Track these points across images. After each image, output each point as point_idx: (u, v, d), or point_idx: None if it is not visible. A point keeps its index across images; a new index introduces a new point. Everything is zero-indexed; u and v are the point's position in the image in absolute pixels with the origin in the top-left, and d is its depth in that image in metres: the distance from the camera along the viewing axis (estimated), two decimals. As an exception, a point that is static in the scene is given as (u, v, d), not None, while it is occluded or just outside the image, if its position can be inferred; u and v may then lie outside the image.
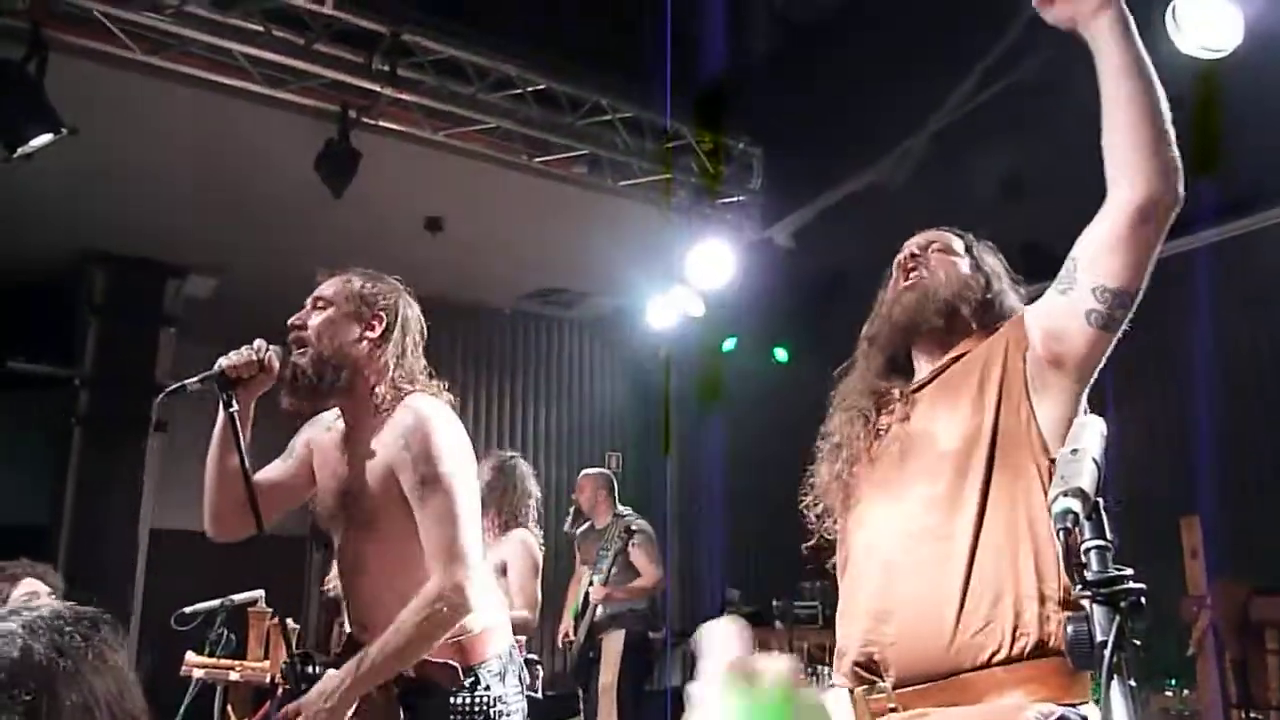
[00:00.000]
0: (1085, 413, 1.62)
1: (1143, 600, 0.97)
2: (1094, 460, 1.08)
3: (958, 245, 1.97)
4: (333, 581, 4.62)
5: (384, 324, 2.20)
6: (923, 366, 1.83)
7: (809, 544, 1.86)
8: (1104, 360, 1.62)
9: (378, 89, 4.80)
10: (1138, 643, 0.98)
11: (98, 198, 5.64)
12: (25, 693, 0.92)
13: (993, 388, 1.64)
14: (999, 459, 1.58)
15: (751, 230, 6.15)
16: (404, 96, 4.91)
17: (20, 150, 4.08)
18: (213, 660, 3.38)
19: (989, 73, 4.78)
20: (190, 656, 3.36)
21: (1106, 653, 0.95)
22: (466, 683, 2.05)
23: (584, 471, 5.81)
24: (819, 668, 5.62)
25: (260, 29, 4.49)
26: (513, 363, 7.74)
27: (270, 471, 2.32)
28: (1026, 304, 1.81)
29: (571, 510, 5.71)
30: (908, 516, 1.62)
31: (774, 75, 6.43)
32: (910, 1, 5.33)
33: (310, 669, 2.06)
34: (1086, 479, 1.04)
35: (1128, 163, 1.54)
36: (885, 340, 1.87)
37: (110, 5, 4.19)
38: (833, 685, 1.72)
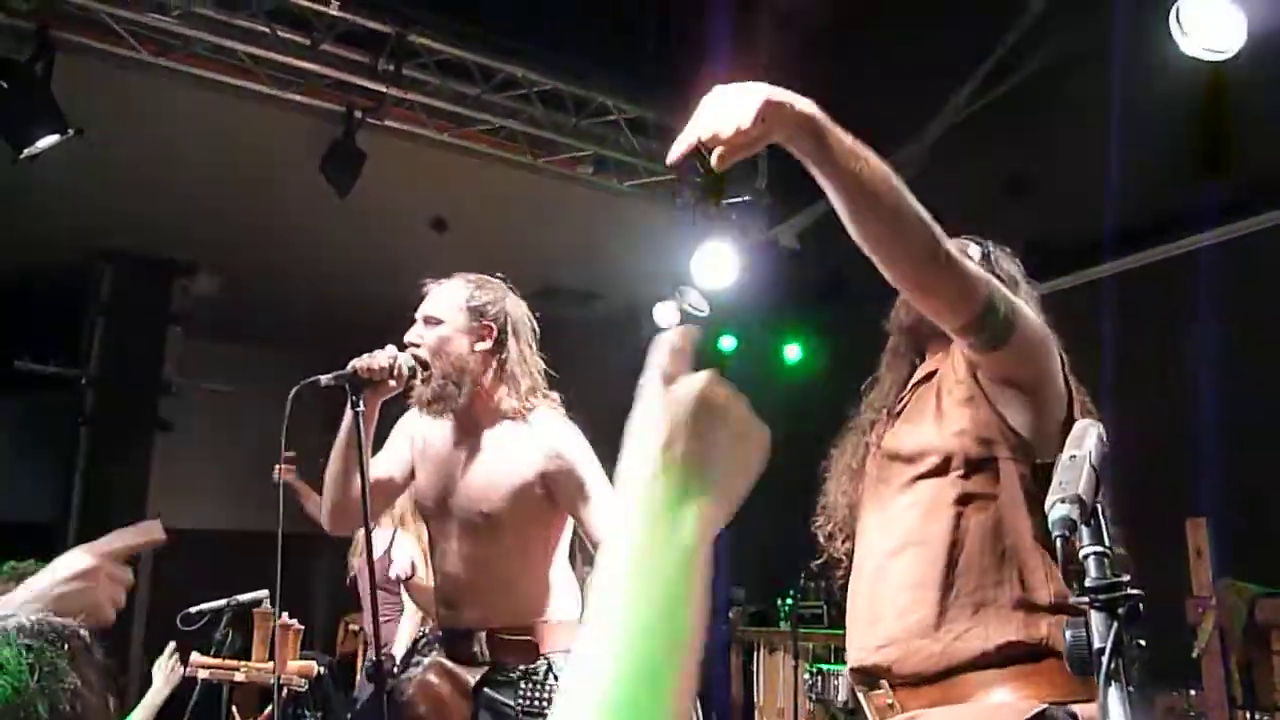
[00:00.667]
0: (1088, 412, 1.63)
1: (1140, 606, 0.97)
2: (1092, 466, 1.08)
3: (972, 252, 1.96)
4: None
5: (495, 332, 2.28)
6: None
7: (818, 561, 1.89)
8: (1043, 357, 1.60)
9: (383, 89, 4.81)
10: (1142, 642, 0.98)
11: (104, 197, 5.66)
12: None
13: (956, 400, 1.66)
14: (973, 466, 1.60)
15: (756, 231, 6.15)
16: (409, 97, 4.92)
17: (26, 151, 4.10)
18: (218, 660, 3.39)
19: (991, 73, 4.78)
20: (195, 657, 3.37)
21: (1104, 659, 0.95)
22: (540, 669, 2.13)
23: None
24: (823, 667, 5.62)
25: (266, 30, 4.50)
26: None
27: (378, 469, 2.38)
28: (1041, 307, 1.83)
29: None
30: (892, 525, 1.65)
31: (778, 75, 6.43)
32: (914, 3, 5.33)
33: (391, 666, 2.13)
34: (1084, 485, 1.04)
35: (878, 258, 1.50)
36: (899, 347, 1.90)
37: (116, 6, 4.20)
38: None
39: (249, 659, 3.40)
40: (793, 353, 6.62)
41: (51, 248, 6.33)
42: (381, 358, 2.15)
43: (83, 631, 1.00)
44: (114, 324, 6.43)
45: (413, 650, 2.32)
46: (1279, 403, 4.35)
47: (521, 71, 5.14)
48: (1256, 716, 3.52)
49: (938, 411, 1.67)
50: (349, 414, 2.17)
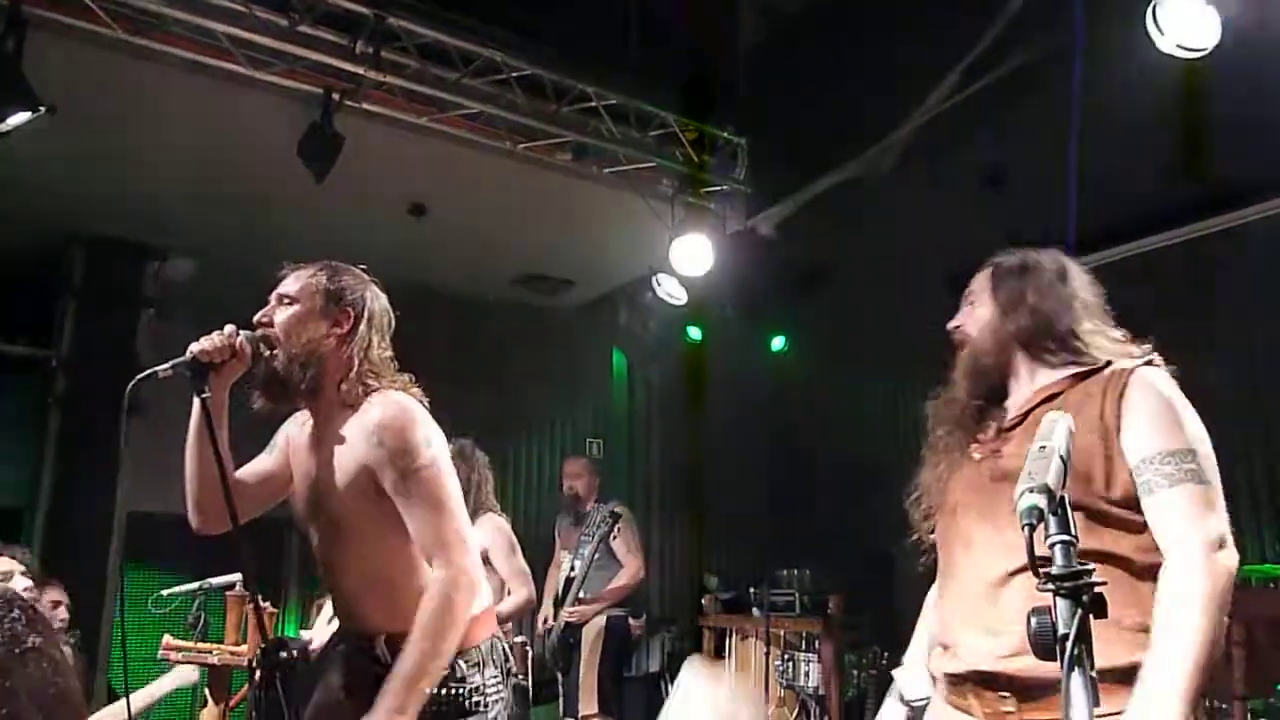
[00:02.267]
0: None
1: (1104, 595, 1.00)
2: (1061, 457, 1.10)
3: (985, 285, 1.97)
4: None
5: (351, 319, 2.16)
6: (1014, 391, 1.92)
7: (912, 538, 1.96)
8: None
9: (361, 72, 4.77)
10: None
11: (77, 178, 5.59)
12: None
13: (1092, 453, 1.70)
14: (1087, 500, 1.65)
15: (735, 220, 6.16)
16: (388, 80, 4.88)
17: (-3, 129, 4.04)
18: (190, 644, 3.37)
19: (973, 66, 4.81)
20: (168, 640, 3.35)
21: (1069, 645, 0.97)
22: (449, 671, 2.03)
23: (573, 457, 5.84)
24: (795, 654, 5.67)
25: (243, 9, 4.45)
26: (496, 349, 7.73)
27: (254, 466, 2.30)
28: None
29: (569, 496, 5.70)
30: (1013, 547, 1.70)
31: (760, 64, 6.44)
32: (895, -4, 5.36)
33: (284, 654, 2.04)
34: (1052, 475, 1.07)
35: None
36: (970, 385, 1.95)
37: (90, -17, 4.15)
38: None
39: (221, 642, 3.39)
40: (778, 342, 6.63)
41: (22, 228, 6.24)
42: (219, 338, 2.06)
43: (24, 600, 1.02)
44: (86, 306, 6.35)
45: (327, 648, 2.27)
46: (1244, 398, 4.42)
47: (501, 57, 5.11)
48: (1216, 704, 3.59)
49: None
50: (196, 404, 2.06)
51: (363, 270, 2.30)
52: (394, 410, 2.07)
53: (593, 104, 5.47)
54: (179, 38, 4.47)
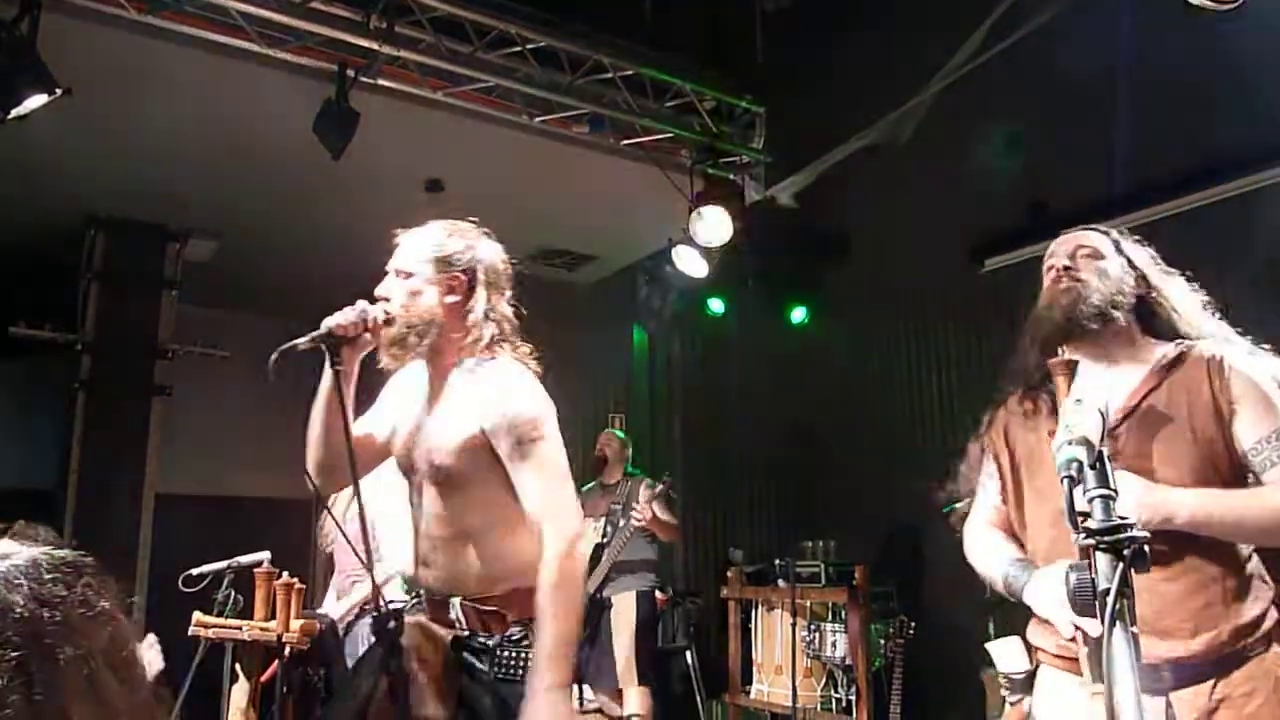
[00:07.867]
0: None
1: (1145, 549, 0.97)
2: (1099, 410, 1.08)
3: (1106, 247, 2.02)
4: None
5: (465, 283, 2.25)
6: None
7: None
8: None
9: (375, 47, 4.74)
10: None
11: (96, 161, 5.60)
12: (11, 650, 0.86)
13: (1200, 422, 1.78)
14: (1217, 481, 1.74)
15: (754, 190, 6.11)
16: (402, 54, 4.85)
17: (14, 112, 4.04)
18: (220, 620, 3.40)
19: (995, 29, 4.73)
20: (198, 617, 3.39)
21: (1110, 600, 0.95)
22: (515, 635, 2.08)
23: (608, 430, 6.04)
24: (821, 625, 5.67)
25: (256, -13, 4.43)
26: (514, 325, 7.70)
27: (365, 425, 2.37)
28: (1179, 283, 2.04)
29: (597, 458, 5.86)
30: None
31: (777, 33, 6.36)
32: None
33: (393, 624, 2.09)
34: (1091, 428, 1.04)
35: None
36: (1045, 341, 1.94)
37: (103, -37, 4.13)
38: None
39: (251, 619, 3.41)
40: (799, 314, 6.57)
41: (43, 212, 6.27)
42: (352, 314, 2.15)
43: (89, 559, 1.01)
44: (108, 289, 6.39)
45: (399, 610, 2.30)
46: None
47: (516, 29, 5.07)
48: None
49: (1187, 428, 1.82)
50: (328, 373, 2.16)
51: (472, 222, 2.36)
52: (521, 380, 2.20)
53: (609, 75, 5.42)
54: (192, 17, 4.46)
